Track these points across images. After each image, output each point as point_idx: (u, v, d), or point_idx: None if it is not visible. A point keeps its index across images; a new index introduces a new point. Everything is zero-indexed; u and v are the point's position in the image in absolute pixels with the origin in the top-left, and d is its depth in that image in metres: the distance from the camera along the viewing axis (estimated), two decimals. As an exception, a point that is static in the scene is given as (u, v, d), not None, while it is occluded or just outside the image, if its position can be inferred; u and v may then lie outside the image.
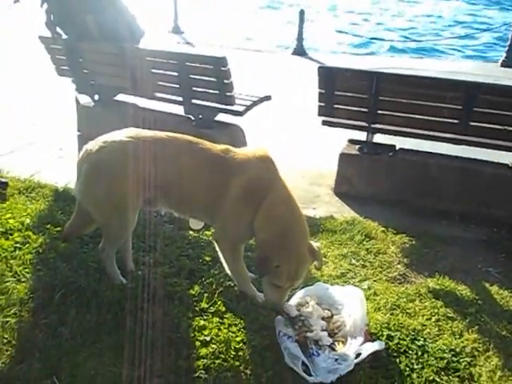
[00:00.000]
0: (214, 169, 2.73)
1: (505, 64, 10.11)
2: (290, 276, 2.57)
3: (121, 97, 5.95)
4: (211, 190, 2.72)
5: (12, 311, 2.62)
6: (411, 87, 4.15)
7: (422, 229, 4.09)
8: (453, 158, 4.53)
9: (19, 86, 8.11)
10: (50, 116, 6.75)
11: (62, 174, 4.74)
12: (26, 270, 3.01)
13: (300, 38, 11.18)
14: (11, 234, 3.44)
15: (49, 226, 3.57)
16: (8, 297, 2.73)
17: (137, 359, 2.29)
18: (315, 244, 2.77)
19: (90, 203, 2.82)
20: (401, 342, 2.65)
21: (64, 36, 5.46)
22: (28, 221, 3.64)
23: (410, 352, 2.59)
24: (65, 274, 2.93)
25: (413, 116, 4.29)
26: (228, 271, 2.90)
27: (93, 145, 2.80)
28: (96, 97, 5.90)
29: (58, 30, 5.40)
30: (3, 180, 4.35)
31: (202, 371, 2.33)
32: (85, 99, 6.00)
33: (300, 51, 11.22)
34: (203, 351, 2.45)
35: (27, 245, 3.31)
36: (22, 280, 2.92)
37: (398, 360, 2.52)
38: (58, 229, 3.50)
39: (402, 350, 2.59)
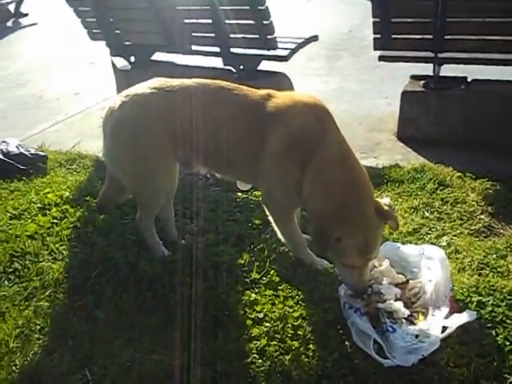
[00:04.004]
0: (251, 118, 2.29)
1: None
2: (360, 251, 2.05)
3: (158, 56, 5.61)
4: (248, 145, 2.31)
5: (46, 294, 2.41)
6: (486, 1, 3.44)
7: (506, 171, 3.45)
8: (539, 84, 3.81)
9: (62, 54, 8.00)
10: (92, 84, 6.55)
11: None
12: (63, 247, 2.81)
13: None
14: (49, 210, 3.26)
15: (88, 198, 3.37)
16: (43, 277, 2.52)
17: (179, 344, 2.00)
18: (384, 201, 2.22)
19: (117, 167, 2.51)
20: (495, 309, 2.17)
21: (91, -5, 5.12)
22: (67, 194, 3.47)
23: (509, 321, 2.11)
24: (101, 249, 2.68)
25: (489, 38, 3.59)
26: (280, 237, 2.52)
27: (116, 101, 2.47)
28: (132, 59, 5.59)
29: (84, -11, 5.07)
30: (42, 153, 4.20)
31: (255, 355, 1.99)
32: (121, 62, 5.71)
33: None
34: (255, 331, 2.11)
35: (65, 220, 3.12)
36: (59, 258, 2.71)
37: (493, 332, 2.05)
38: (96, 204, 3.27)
39: (497, 320, 2.11)
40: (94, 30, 5.54)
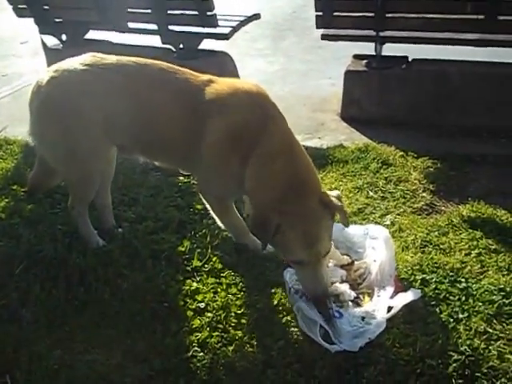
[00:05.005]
0: (189, 105, 2.15)
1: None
2: (302, 243, 1.92)
3: (92, 34, 5.27)
4: (185, 133, 2.16)
5: (-36, 294, 2.17)
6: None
7: (446, 149, 3.53)
8: (477, 63, 3.86)
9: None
10: (22, 65, 6.10)
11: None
12: (-16, 242, 2.55)
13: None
14: (-30, 201, 2.96)
15: (15, 187, 3.12)
16: (-40, 277, 2.27)
17: (114, 342, 1.84)
18: (333, 193, 2.11)
19: (44, 148, 2.32)
20: (439, 286, 2.17)
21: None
22: (-9, 183, 3.18)
23: (452, 298, 2.11)
24: (28, 242, 2.46)
25: (429, 16, 3.61)
26: (220, 224, 2.41)
27: (44, 76, 2.26)
28: (64, 37, 5.21)
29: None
30: (-37, 140, 3.84)
31: (196, 348, 1.88)
32: (52, 41, 5.33)
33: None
34: (197, 323, 2.00)
35: (-13, 211, 2.84)
36: (-21, 254, 2.46)
37: (437, 310, 2.05)
38: (26, 189, 3.01)
39: (441, 297, 2.11)
40: (20, 6, 5.11)
